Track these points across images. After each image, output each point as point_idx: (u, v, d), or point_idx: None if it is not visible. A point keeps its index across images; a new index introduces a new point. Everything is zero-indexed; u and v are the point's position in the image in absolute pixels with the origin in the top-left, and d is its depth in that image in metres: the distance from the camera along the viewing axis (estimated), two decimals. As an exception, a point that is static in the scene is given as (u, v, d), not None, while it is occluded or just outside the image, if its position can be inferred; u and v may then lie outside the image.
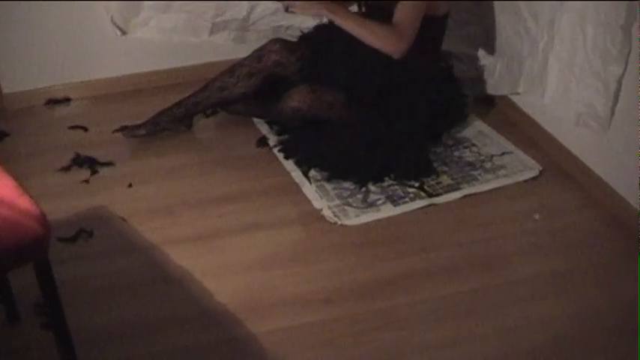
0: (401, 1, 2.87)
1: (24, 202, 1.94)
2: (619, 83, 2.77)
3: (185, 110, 3.39)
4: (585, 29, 2.86)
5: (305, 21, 3.64)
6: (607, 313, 2.45)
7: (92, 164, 3.22)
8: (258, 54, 3.34)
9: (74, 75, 3.74)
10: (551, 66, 3.11)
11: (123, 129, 3.38)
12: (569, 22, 2.94)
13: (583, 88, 2.92)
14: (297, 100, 3.13)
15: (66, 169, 3.19)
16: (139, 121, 3.39)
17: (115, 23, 3.60)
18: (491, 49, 3.51)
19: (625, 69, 2.74)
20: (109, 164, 3.23)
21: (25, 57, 3.62)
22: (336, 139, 3.09)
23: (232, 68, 3.35)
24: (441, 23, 3.13)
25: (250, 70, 3.32)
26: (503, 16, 3.39)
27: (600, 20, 2.77)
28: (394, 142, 3.06)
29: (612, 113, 2.83)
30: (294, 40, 3.48)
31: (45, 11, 3.53)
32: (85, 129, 3.51)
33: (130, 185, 3.11)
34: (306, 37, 3.48)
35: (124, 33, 3.65)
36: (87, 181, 3.13)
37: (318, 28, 3.47)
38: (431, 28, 3.01)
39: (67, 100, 3.75)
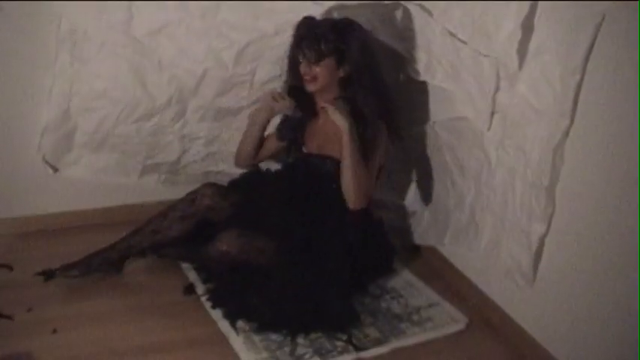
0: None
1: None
2: (541, 242, 2.84)
3: (118, 254, 3.35)
4: (515, 185, 2.93)
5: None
6: None
7: None
8: (191, 197, 3.36)
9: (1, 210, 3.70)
10: (485, 219, 3.17)
11: (46, 274, 3.31)
12: (501, 177, 3.02)
13: (511, 243, 2.99)
14: (226, 243, 3.13)
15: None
16: (67, 262, 3.32)
17: (46, 161, 3.59)
18: (425, 199, 3.59)
19: (548, 229, 2.82)
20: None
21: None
22: (264, 290, 3.09)
23: (165, 212, 3.36)
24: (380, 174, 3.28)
25: (183, 213, 3.33)
26: (431, 168, 3.48)
27: (527, 178, 2.85)
28: (321, 292, 3.07)
29: (535, 270, 2.89)
30: (225, 185, 3.50)
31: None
32: (10, 268, 3.44)
33: (55, 331, 3.03)
34: (235, 183, 3.51)
35: (55, 170, 3.64)
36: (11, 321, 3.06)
37: (247, 175, 3.53)
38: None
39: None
